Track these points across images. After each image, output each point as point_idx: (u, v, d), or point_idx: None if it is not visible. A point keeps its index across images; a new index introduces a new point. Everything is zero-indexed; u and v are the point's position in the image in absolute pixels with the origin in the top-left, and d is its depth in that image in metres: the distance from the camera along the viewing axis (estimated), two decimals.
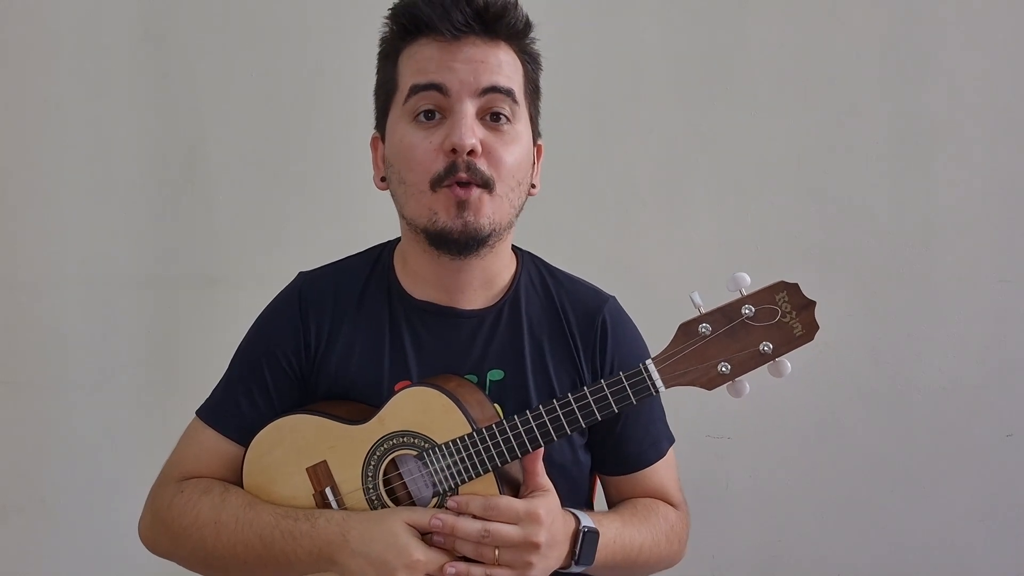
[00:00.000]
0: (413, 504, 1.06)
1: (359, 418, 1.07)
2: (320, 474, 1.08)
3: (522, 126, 1.10)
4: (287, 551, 1.04)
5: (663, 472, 1.20)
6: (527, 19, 1.10)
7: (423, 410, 1.04)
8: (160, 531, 1.12)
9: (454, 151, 1.03)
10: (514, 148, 1.08)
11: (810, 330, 0.94)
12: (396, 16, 1.10)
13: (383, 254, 1.20)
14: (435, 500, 1.04)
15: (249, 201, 2.07)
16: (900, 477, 2.01)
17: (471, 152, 1.03)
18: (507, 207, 1.08)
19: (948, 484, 2.00)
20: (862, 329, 1.99)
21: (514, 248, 1.20)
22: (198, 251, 2.08)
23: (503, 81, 1.07)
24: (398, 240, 1.19)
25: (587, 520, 1.06)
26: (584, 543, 1.04)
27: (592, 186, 2.04)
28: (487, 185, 1.05)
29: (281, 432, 1.10)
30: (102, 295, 2.07)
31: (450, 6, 1.05)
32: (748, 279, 0.95)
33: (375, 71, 1.16)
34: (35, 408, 2.07)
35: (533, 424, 1.00)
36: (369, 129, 1.19)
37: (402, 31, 1.10)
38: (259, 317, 1.20)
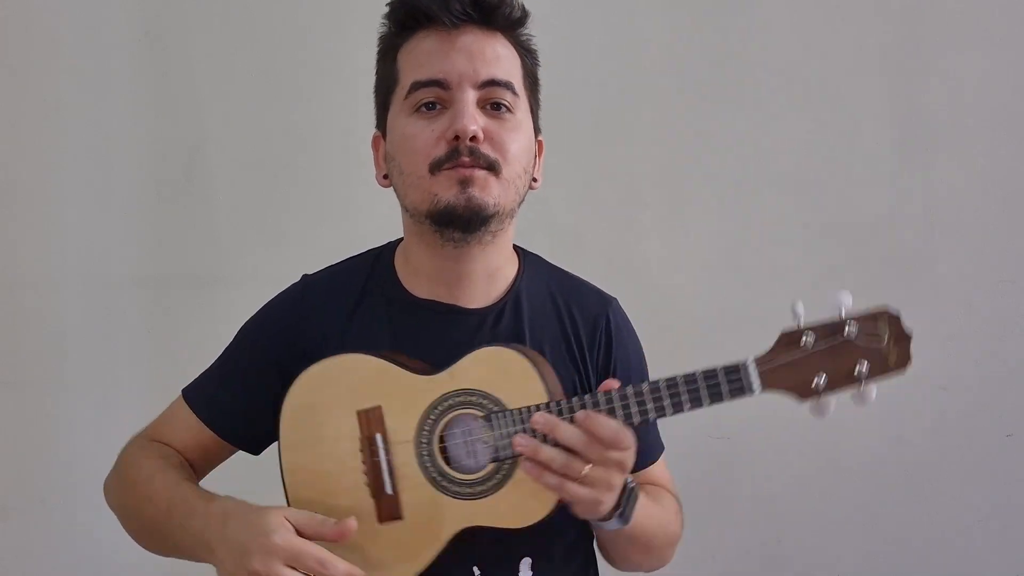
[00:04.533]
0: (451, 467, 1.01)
1: (424, 370, 1.04)
2: (372, 419, 1.03)
3: (523, 116, 1.11)
4: (184, 525, 1.03)
5: (659, 473, 1.21)
6: (523, 8, 1.11)
7: (502, 371, 1.00)
8: (114, 479, 1.15)
9: (456, 138, 1.04)
10: (517, 135, 1.09)
11: (903, 362, 0.93)
12: (394, 11, 1.11)
13: (383, 253, 1.20)
14: (492, 467, 1.00)
15: (249, 201, 2.07)
16: (900, 477, 2.01)
17: (474, 138, 1.04)
18: (512, 193, 1.09)
19: (948, 484, 2.00)
20: None
21: (517, 249, 1.20)
22: (198, 251, 2.07)
23: (501, 74, 1.08)
24: (399, 241, 1.19)
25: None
26: (629, 497, 1.00)
27: (594, 187, 2.03)
28: (493, 168, 1.06)
29: (335, 371, 1.06)
30: (102, 295, 2.07)
31: None
32: (850, 299, 0.94)
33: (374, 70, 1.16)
34: (35, 408, 2.07)
35: (617, 405, 0.96)
36: (370, 129, 1.19)
37: (400, 26, 1.11)
38: (257, 313, 1.20)
